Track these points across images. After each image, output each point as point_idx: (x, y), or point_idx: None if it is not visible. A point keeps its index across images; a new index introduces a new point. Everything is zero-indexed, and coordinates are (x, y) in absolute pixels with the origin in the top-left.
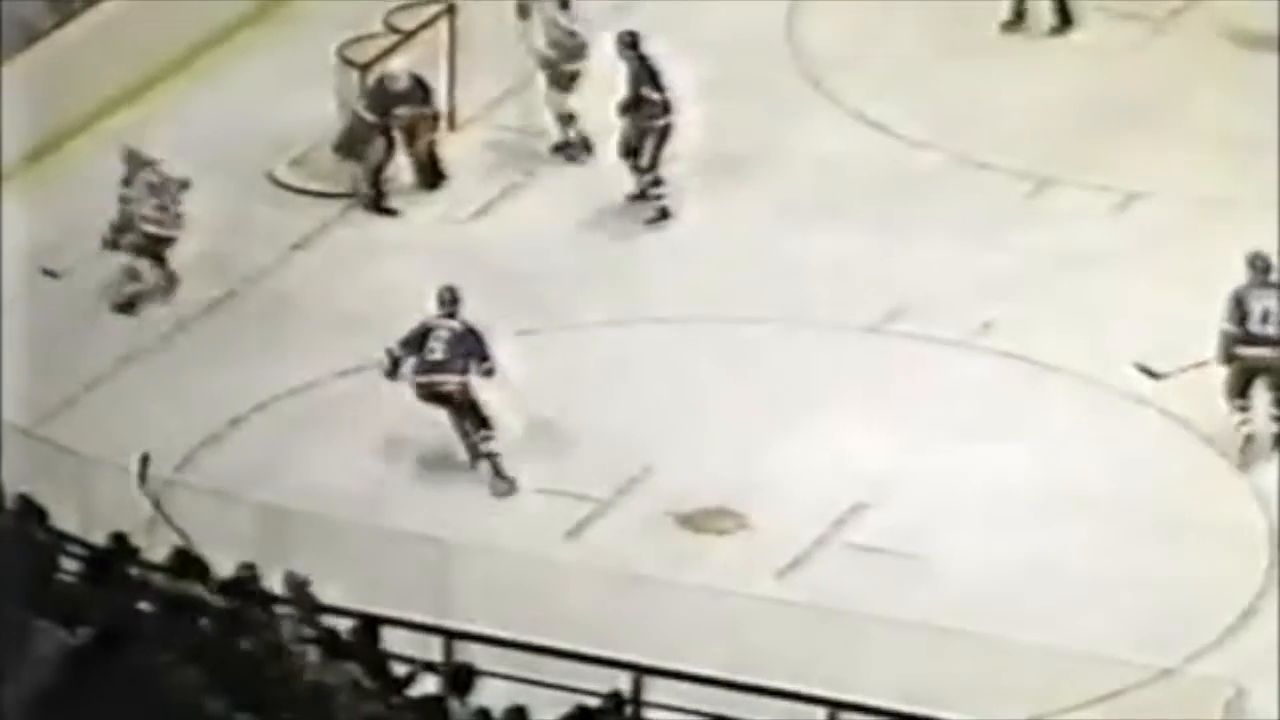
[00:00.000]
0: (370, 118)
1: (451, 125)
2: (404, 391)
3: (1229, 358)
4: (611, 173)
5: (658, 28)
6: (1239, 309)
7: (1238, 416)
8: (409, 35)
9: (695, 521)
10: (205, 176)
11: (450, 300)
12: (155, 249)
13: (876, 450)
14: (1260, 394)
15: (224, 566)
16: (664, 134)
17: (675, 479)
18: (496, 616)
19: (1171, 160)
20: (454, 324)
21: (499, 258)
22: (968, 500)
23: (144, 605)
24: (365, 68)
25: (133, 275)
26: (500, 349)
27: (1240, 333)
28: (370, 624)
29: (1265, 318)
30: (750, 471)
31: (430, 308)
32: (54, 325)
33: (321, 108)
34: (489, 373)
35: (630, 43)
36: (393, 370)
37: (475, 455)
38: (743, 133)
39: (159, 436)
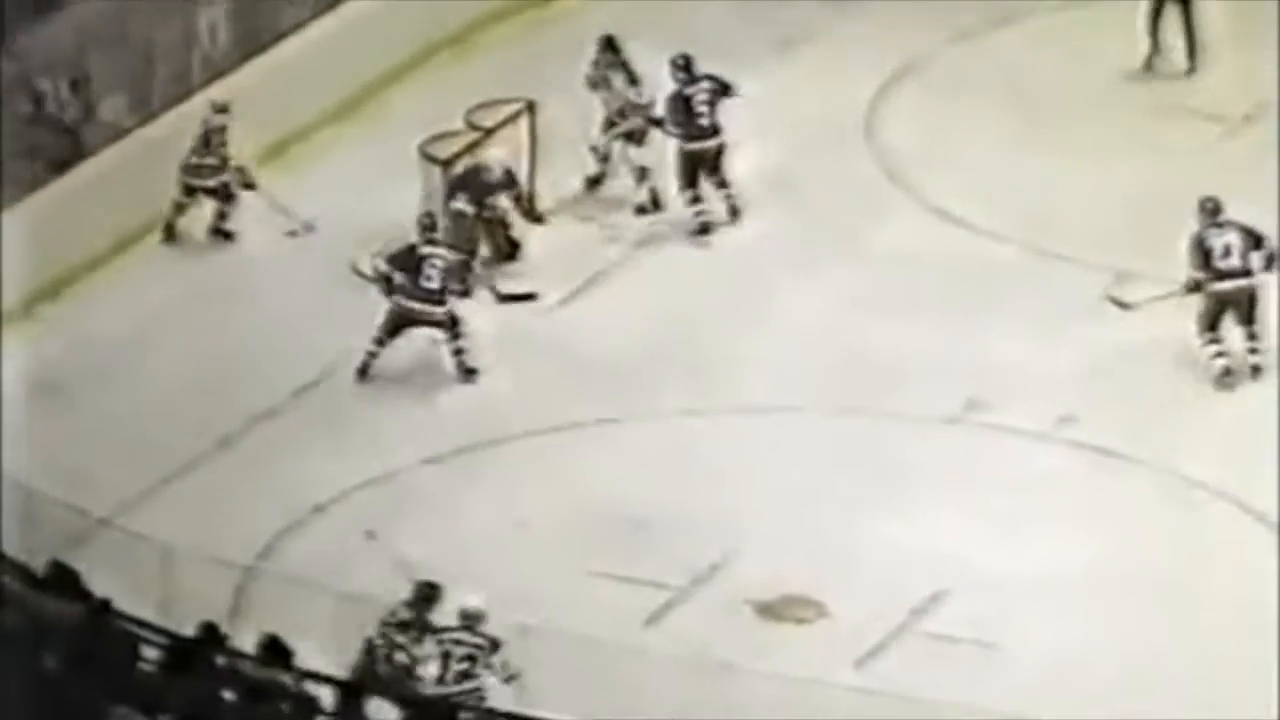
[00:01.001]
0: (469, 209)
1: (534, 218)
2: (483, 480)
3: (1196, 288)
4: (691, 263)
5: (737, 116)
6: (1201, 250)
7: (1212, 349)
8: (490, 132)
9: (774, 610)
10: (292, 266)
11: (431, 226)
12: None
13: (954, 539)
14: (1232, 327)
15: (307, 656)
16: (718, 156)
17: (754, 567)
18: (574, 703)
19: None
20: (446, 253)
21: (582, 346)
22: (1045, 589)
23: (227, 693)
24: (447, 164)
25: None
26: (581, 435)
27: (1208, 273)
28: (451, 711)
29: (1227, 252)
30: (829, 560)
31: (507, 396)
32: (133, 411)
33: (403, 202)
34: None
35: (683, 65)
36: (389, 287)
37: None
38: (822, 224)
39: (241, 524)
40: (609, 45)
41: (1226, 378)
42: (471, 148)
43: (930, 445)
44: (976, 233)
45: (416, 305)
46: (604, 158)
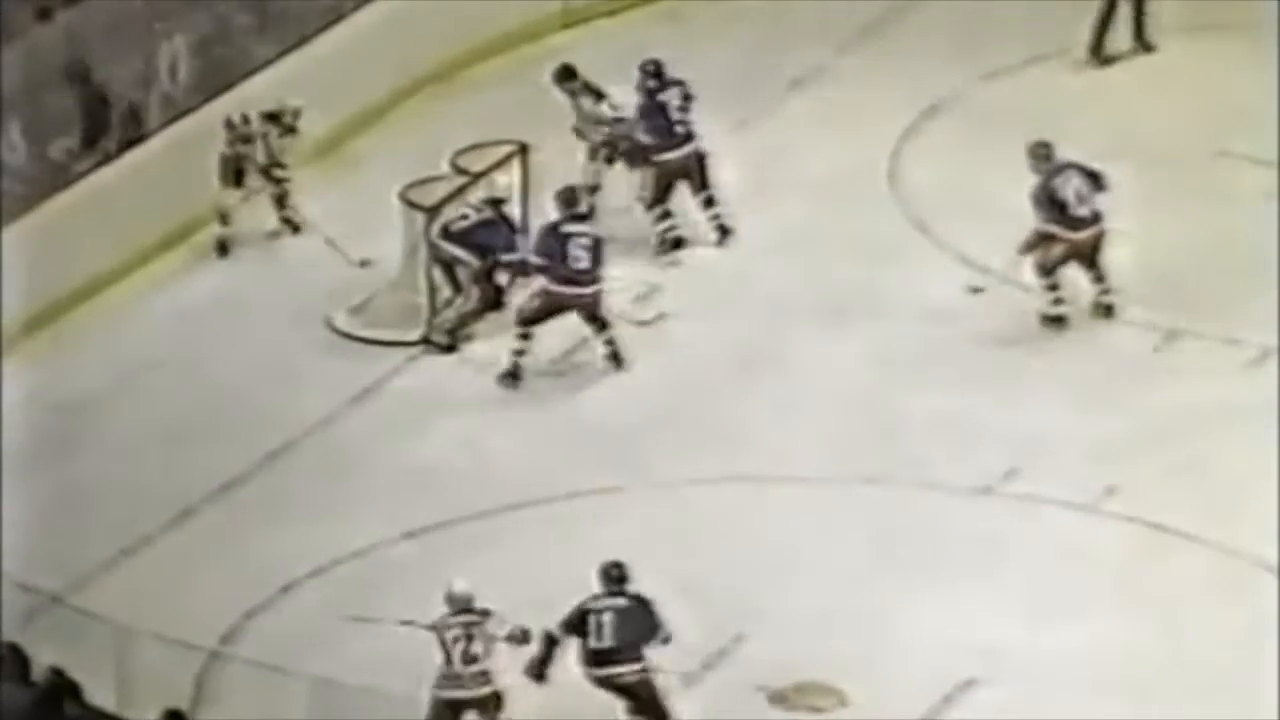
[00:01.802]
0: (476, 262)
1: (526, 272)
2: (470, 556)
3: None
4: (702, 325)
5: (753, 169)
6: (1051, 200)
7: (1051, 295)
8: (478, 177)
9: (789, 697)
10: (260, 323)
11: (572, 200)
12: None
13: (988, 621)
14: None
15: None
16: (699, 167)
17: (768, 650)
18: None
19: None
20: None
21: (580, 409)
22: (1087, 676)
23: None
24: (433, 211)
25: None
26: (579, 505)
27: (1064, 223)
28: None
29: (1080, 199)
30: (849, 643)
31: (501, 462)
32: (90, 482)
33: (382, 253)
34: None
35: (653, 71)
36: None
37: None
38: (846, 280)
39: (204, 604)
40: (565, 74)
41: (1059, 323)
42: (458, 194)
43: (963, 518)
44: (1013, 286)
45: (566, 289)
46: (593, 189)
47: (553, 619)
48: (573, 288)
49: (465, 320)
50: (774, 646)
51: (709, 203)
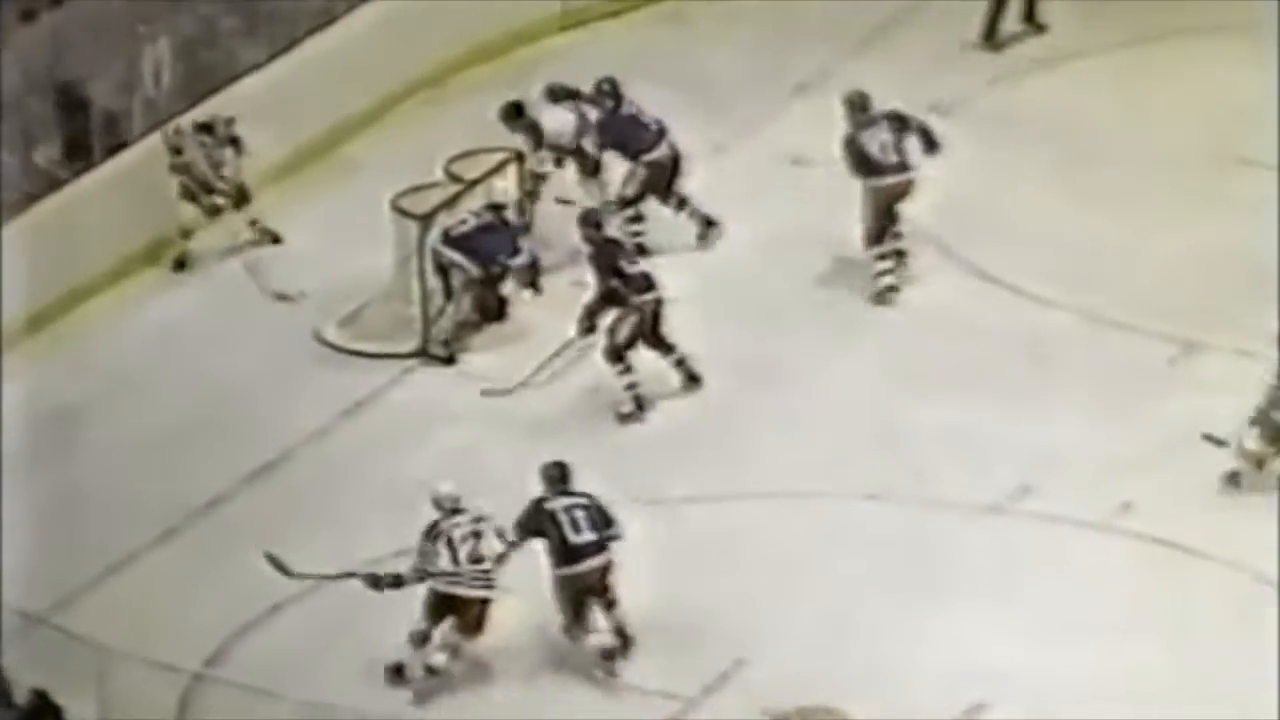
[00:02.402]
0: (477, 271)
1: (533, 284)
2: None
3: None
4: (700, 336)
5: (755, 175)
6: (859, 153)
7: (881, 265)
8: (473, 184)
9: None
10: (248, 335)
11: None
12: None
13: (1000, 643)
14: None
15: None
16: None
17: (771, 673)
18: None
19: None
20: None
21: (574, 424)
22: (1102, 699)
23: None
24: (426, 219)
25: None
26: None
27: (871, 174)
28: None
29: (885, 149)
30: (854, 664)
31: (497, 477)
32: (73, 497)
33: (372, 264)
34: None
35: (609, 90)
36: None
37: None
38: (850, 288)
39: (189, 624)
40: (511, 112)
41: (891, 293)
42: (452, 202)
43: (972, 537)
44: (1023, 297)
45: (640, 298)
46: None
47: (552, 635)
48: (642, 295)
49: (462, 331)
50: (776, 669)
51: (682, 204)
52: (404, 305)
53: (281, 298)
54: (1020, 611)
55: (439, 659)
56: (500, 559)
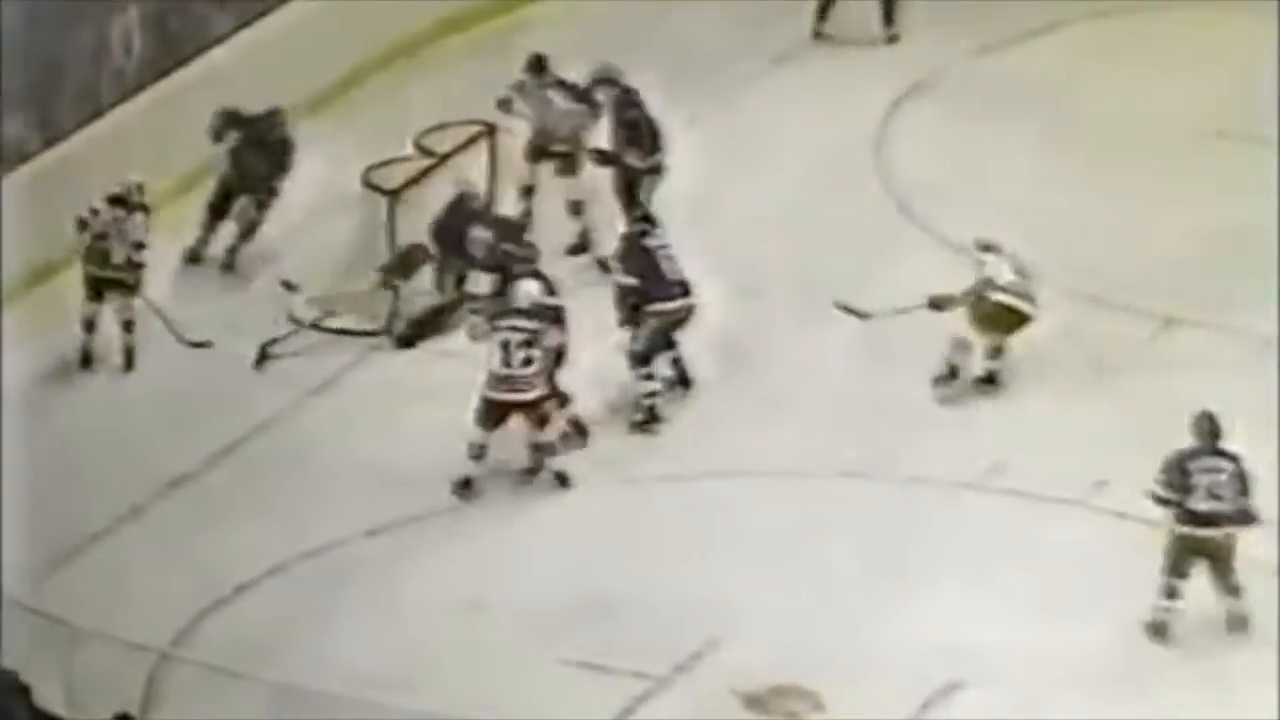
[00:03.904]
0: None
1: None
2: (434, 554)
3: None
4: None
5: (733, 149)
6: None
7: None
8: (445, 158)
9: (764, 702)
10: (210, 314)
11: (648, 218)
12: None
13: (973, 622)
14: None
15: None
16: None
17: (742, 653)
18: None
19: None
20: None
21: None
22: (1077, 678)
23: None
24: (395, 194)
25: None
26: (549, 501)
27: None
28: None
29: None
30: (827, 645)
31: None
32: (32, 475)
33: (340, 239)
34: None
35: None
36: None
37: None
38: (826, 263)
39: (156, 604)
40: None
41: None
42: (423, 175)
43: (947, 515)
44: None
45: (668, 305)
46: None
47: (518, 619)
48: (673, 302)
49: (439, 314)
50: (749, 649)
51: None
52: (370, 282)
53: (287, 286)
54: (996, 590)
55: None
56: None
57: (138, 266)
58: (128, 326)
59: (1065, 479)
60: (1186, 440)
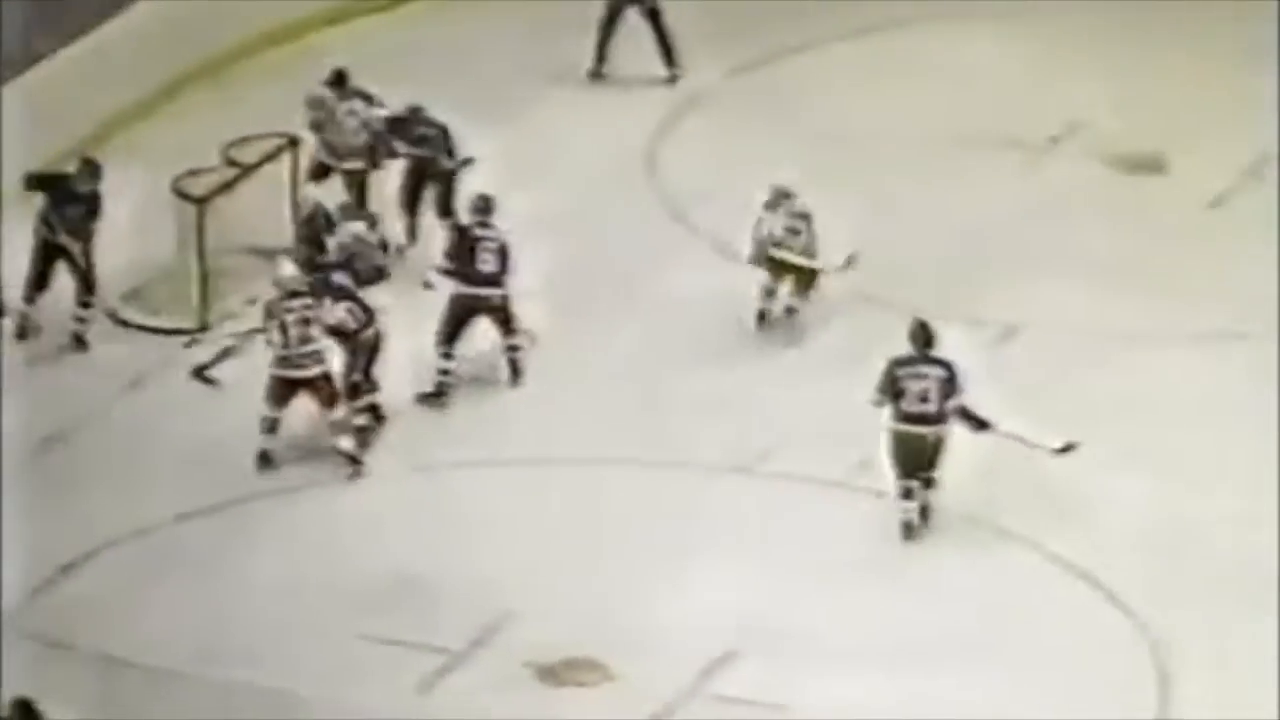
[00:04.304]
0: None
1: None
2: (242, 536)
3: None
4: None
5: (515, 158)
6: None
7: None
8: (249, 170)
9: (556, 673)
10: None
11: (485, 209)
12: None
13: (746, 597)
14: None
15: None
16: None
17: (535, 628)
18: None
19: (1049, 290)
20: (497, 234)
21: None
22: (841, 648)
23: None
24: (202, 201)
25: None
26: (355, 492)
27: None
28: None
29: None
30: (614, 620)
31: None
32: None
33: (154, 243)
34: None
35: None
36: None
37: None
38: (603, 268)
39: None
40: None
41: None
42: (229, 185)
43: (721, 497)
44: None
45: (477, 290)
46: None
47: (324, 597)
48: (483, 289)
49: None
50: (541, 625)
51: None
52: (185, 284)
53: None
54: (766, 567)
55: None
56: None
57: None
58: None
59: (830, 461)
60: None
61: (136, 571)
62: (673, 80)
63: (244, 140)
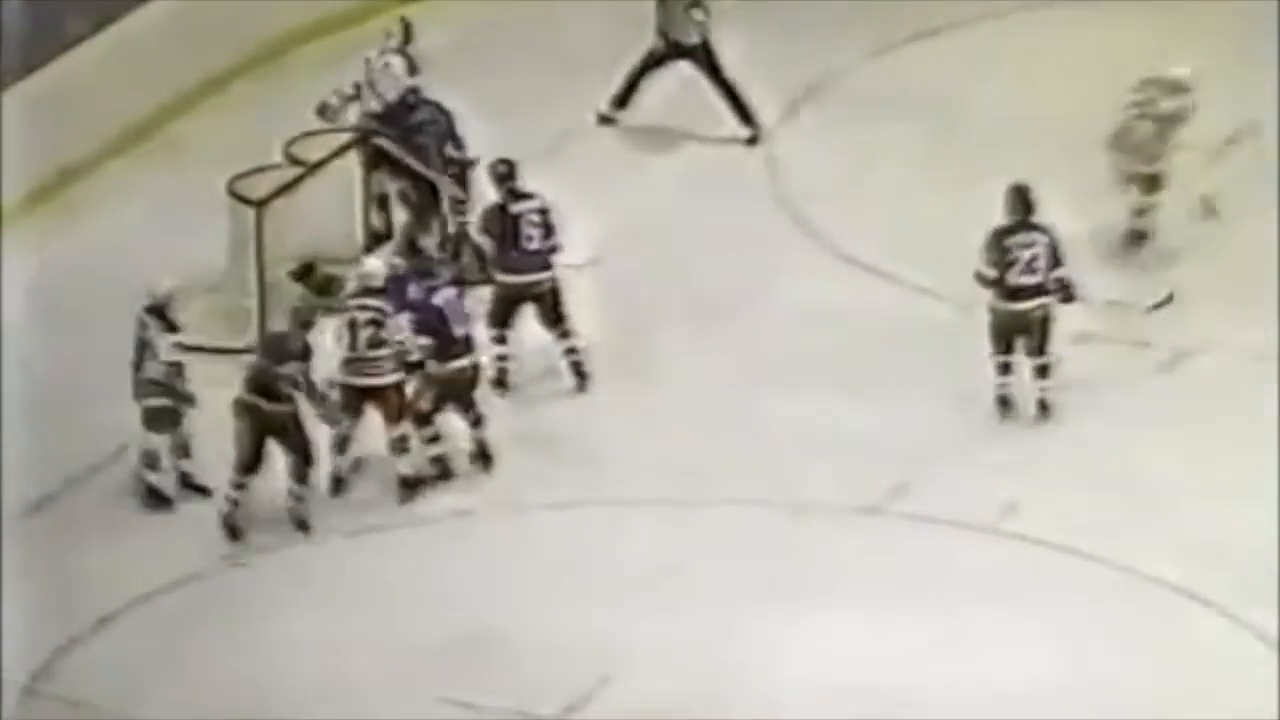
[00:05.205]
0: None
1: None
2: (305, 584)
3: None
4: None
5: (618, 160)
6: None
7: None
8: (316, 167)
9: None
10: (64, 335)
11: (509, 175)
12: None
13: (878, 656)
14: None
15: None
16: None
17: (639, 690)
18: None
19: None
20: (535, 201)
21: None
22: (984, 704)
23: None
24: (262, 204)
25: None
26: (428, 530)
27: None
28: None
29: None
30: (726, 680)
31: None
32: None
33: (203, 255)
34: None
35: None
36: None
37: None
38: (715, 280)
39: (13, 638)
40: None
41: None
42: (291, 186)
43: (846, 541)
44: (900, 286)
45: (519, 278)
46: None
47: (404, 653)
48: (526, 275)
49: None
50: (645, 687)
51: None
52: (239, 297)
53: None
54: (902, 620)
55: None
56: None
57: None
58: None
59: (972, 504)
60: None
61: (171, 624)
62: (753, 141)
63: (308, 135)
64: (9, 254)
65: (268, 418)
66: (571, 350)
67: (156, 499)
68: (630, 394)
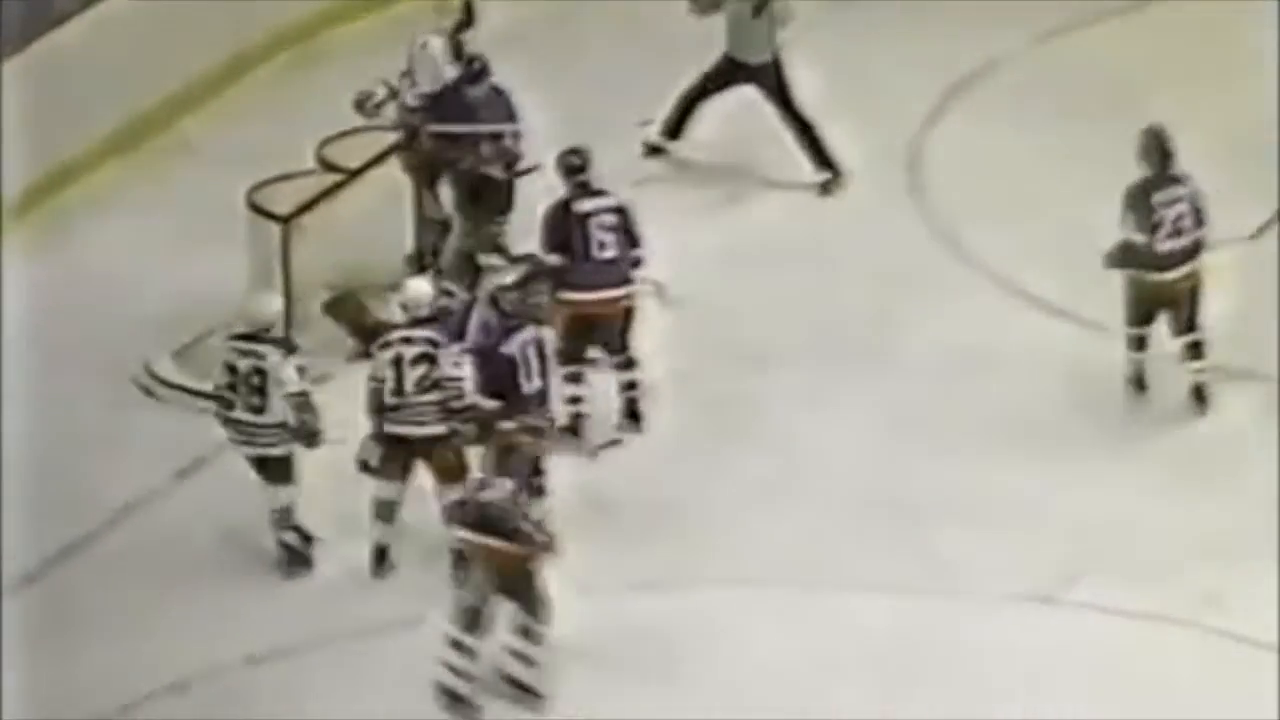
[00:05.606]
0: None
1: None
2: (330, 681)
3: None
4: (662, 381)
5: (737, 164)
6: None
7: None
8: (355, 174)
9: None
10: (57, 372)
11: (581, 167)
12: None
13: None
14: None
15: None
16: None
17: None
18: None
19: None
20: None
21: None
22: None
23: None
24: (289, 220)
25: None
26: None
27: None
28: None
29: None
30: None
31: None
32: None
33: (218, 274)
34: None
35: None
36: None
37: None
38: (846, 315)
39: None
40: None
41: None
42: (325, 196)
43: (1010, 635)
44: (1072, 322)
45: (591, 295)
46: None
47: None
48: (599, 292)
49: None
50: None
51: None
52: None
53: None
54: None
55: None
56: None
57: None
58: None
59: (1165, 591)
60: None
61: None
62: (828, 190)
63: (344, 135)
64: None
65: None
66: (631, 385)
67: (297, 559)
68: (737, 455)
